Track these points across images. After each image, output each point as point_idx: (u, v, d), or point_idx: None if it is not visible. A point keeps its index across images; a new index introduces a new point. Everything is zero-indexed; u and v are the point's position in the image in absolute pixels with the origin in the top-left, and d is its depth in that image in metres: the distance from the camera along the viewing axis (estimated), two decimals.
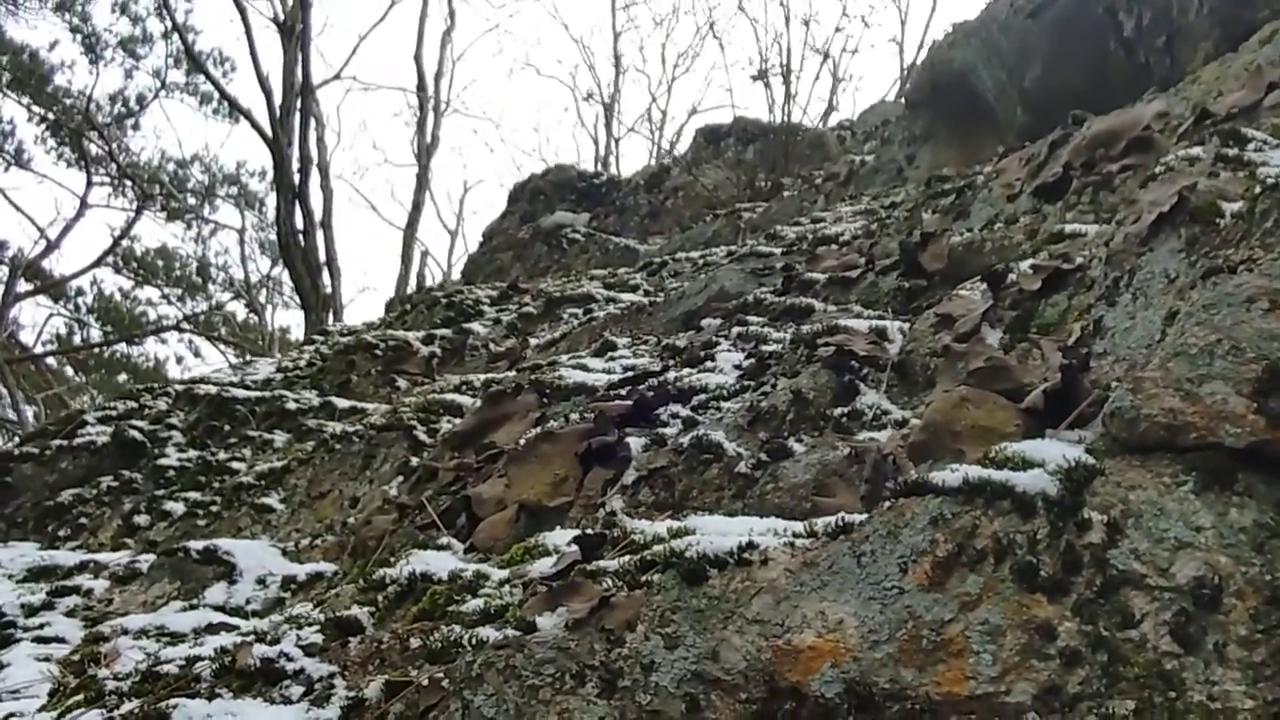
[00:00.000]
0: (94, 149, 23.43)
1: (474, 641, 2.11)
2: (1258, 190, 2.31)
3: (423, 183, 22.63)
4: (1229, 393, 2.03)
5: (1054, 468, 2.02)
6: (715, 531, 2.29)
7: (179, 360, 25.86)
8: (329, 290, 18.67)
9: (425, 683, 2.13)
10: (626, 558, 2.28)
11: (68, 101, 23.63)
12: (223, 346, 25.30)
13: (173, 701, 2.55)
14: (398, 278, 21.73)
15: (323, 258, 18.68)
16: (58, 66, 23.45)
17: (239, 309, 26.49)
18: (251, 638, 2.85)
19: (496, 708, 1.98)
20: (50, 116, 23.47)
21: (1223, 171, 2.71)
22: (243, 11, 18.70)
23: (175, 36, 21.80)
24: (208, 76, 22.02)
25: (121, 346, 25.95)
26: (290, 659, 2.63)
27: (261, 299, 26.37)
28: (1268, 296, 2.11)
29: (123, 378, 25.16)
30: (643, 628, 2.01)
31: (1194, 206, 2.51)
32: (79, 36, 23.34)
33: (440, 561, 2.90)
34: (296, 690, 2.50)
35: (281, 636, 2.81)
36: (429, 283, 21.33)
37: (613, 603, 2.05)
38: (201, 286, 26.29)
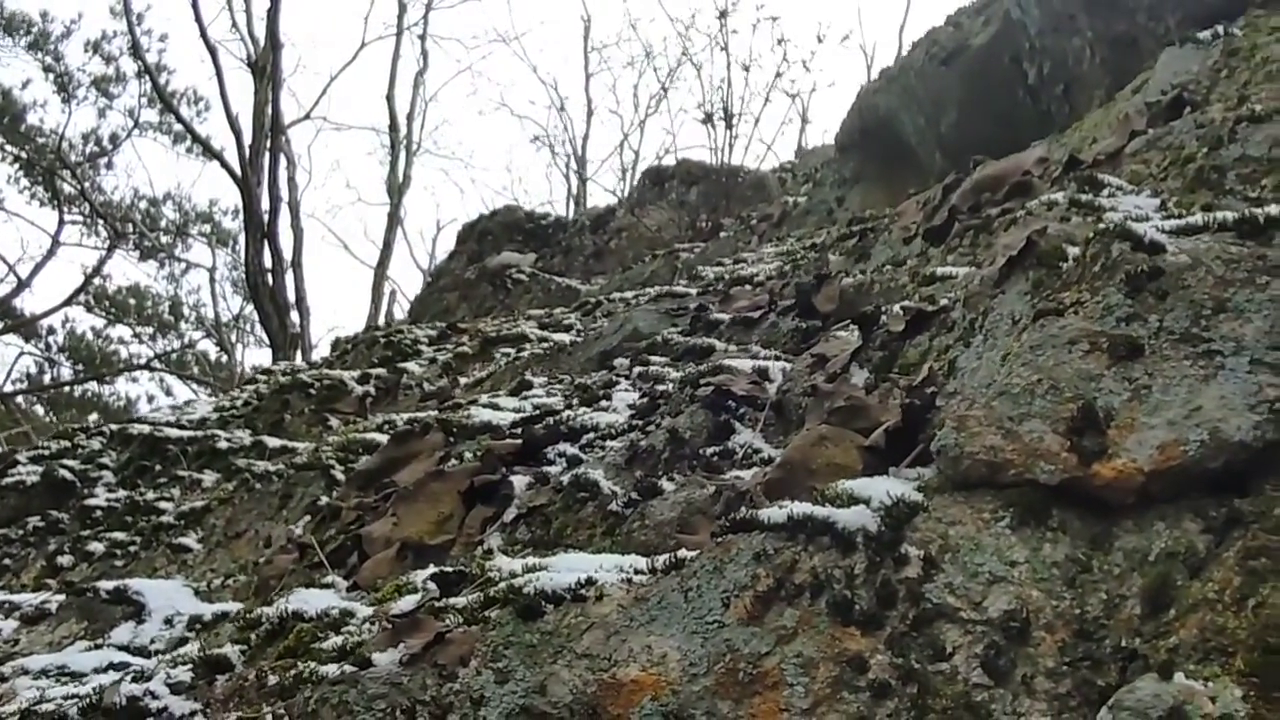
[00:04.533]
0: (66, 188, 23.36)
1: (315, 678, 2.13)
2: (1091, 234, 2.40)
3: (394, 221, 22.66)
4: (1045, 430, 2.10)
5: (877, 504, 2.08)
6: (567, 569, 2.33)
7: (150, 399, 25.68)
8: (297, 329, 18.63)
9: None
10: (477, 595, 2.32)
11: (40, 140, 23.57)
12: (194, 385, 25.16)
13: None
14: (368, 316, 21.69)
15: (292, 297, 18.64)
16: (30, 105, 23.42)
17: (210, 347, 26.43)
18: (128, 676, 2.86)
19: None
20: (23, 155, 23.39)
21: (1074, 216, 2.80)
22: (213, 52, 18.73)
23: (147, 77, 21.82)
24: (178, 118, 22.02)
25: (92, 385, 25.77)
26: (156, 697, 2.64)
27: (232, 338, 26.32)
28: (1088, 339, 2.19)
29: (94, 417, 24.95)
30: (475, 663, 2.05)
31: (1041, 250, 2.59)
32: (52, 76, 23.32)
33: (317, 600, 2.92)
34: None
35: (153, 675, 2.82)
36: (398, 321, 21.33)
37: (448, 638, 2.09)
38: (173, 325, 26.21)
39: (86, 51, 23.39)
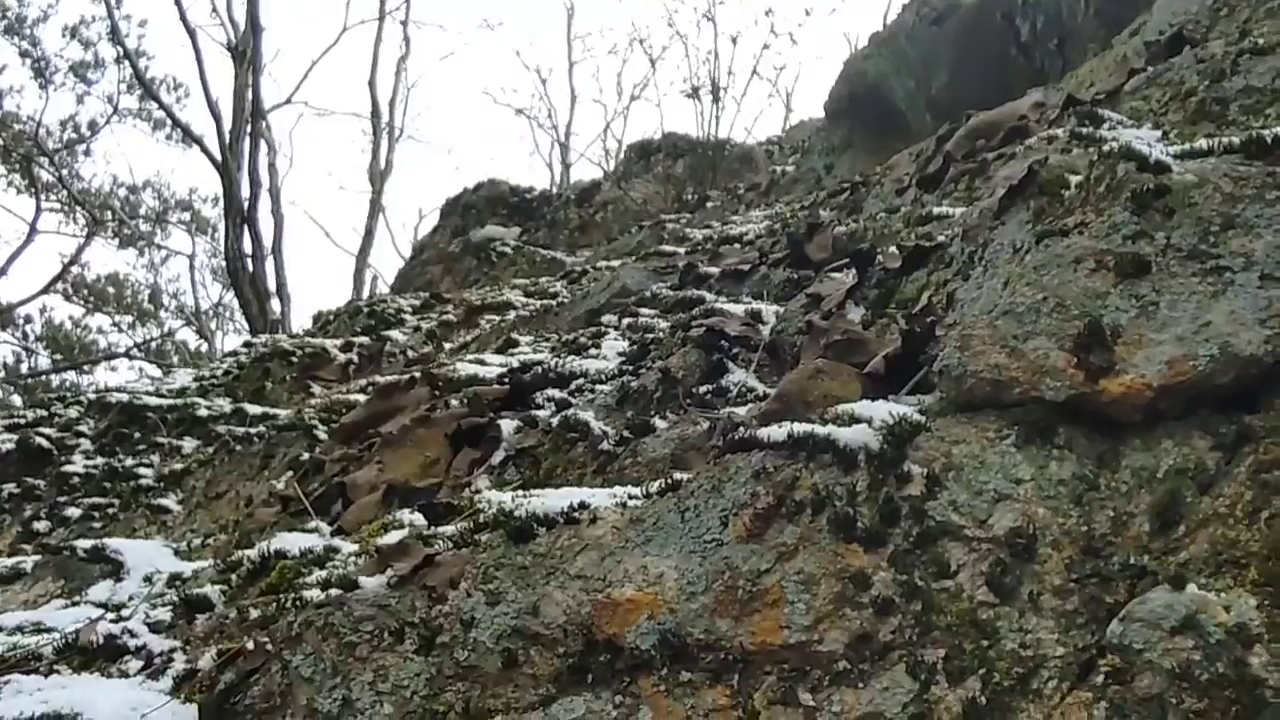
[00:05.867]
0: (44, 175, 23.05)
1: (299, 603, 2.07)
2: (1095, 158, 2.34)
3: (376, 208, 22.46)
4: (1051, 348, 2.04)
5: (879, 424, 2.03)
6: (559, 497, 2.27)
7: None
8: (278, 316, 18.45)
9: (251, 647, 2.08)
10: (466, 523, 2.25)
11: (17, 127, 23.21)
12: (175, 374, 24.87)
13: (7, 678, 2.48)
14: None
15: (272, 284, 18.44)
16: (6, 91, 23.03)
17: (190, 336, 26.23)
18: (102, 617, 2.79)
19: (314, 666, 1.94)
20: None
21: (1075, 148, 2.75)
22: (193, 36, 18.47)
23: (126, 63, 21.52)
24: (159, 103, 21.70)
25: (70, 374, 25.50)
26: (134, 635, 2.58)
27: (212, 326, 26.16)
28: (1094, 257, 2.14)
29: None
30: (465, 585, 1.99)
31: (1043, 179, 2.52)
32: (29, 61, 22.97)
33: (300, 541, 2.85)
34: (135, 664, 2.45)
35: (132, 615, 2.75)
36: None
37: (438, 561, 2.03)
38: (153, 313, 25.99)
39: (64, 36, 23.08)
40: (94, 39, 22.98)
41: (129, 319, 25.81)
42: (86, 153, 24.23)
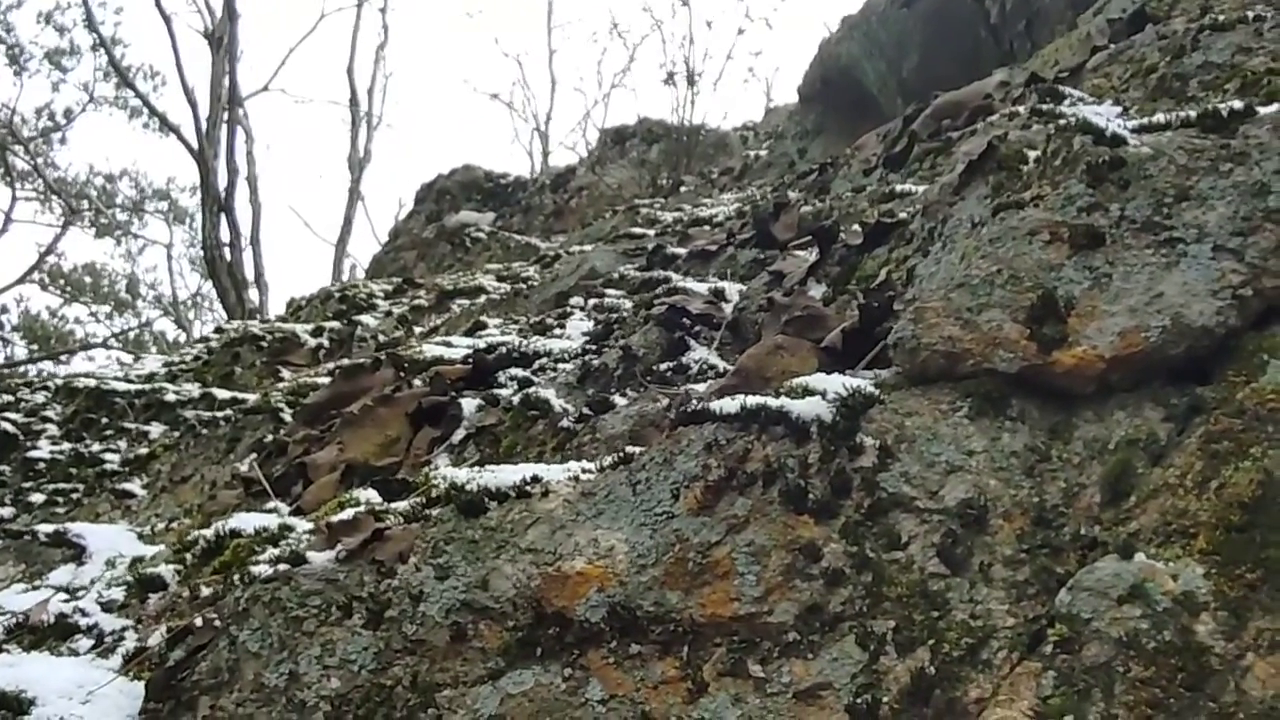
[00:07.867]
0: (19, 163, 22.81)
1: (247, 579, 2.04)
2: (1052, 132, 2.33)
3: (354, 196, 22.30)
4: (1005, 319, 2.04)
5: (833, 396, 2.01)
6: (510, 473, 2.25)
7: None
8: (256, 305, 18.32)
9: (199, 624, 2.06)
10: (419, 498, 2.23)
11: None
12: None
13: None
14: None
15: (251, 273, 18.32)
16: None
17: (169, 326, 26.08)
18: (52, 597, 2.76)
19: (261, 641, 1.92)
20: None
21: (1035, 123, 2.74)
22: (168, 22, 18.25)
23: (102, 50, 21.28)
24: (135, 92, 21.46)
25: (48, 365, 25.28)
26: (86, 614, 2.55)
27: (190, 316, 26.02)
28: (1048, 229, 2.13)
29: None
30: (415, 559, 1.97)
31: (1002, 154, 2.52)
32: (3, 48, 22.71)
33: (255, 520, 2.82)
34: (86, 643, 2.43)
35: (85, 594, 2.72)
36: None
37: (387, 535, 2.01)
38: (130, 303, 25.82)
39: (39, 23, 22.86)
40: (69, 25, 22.73)
41: (106, 309, 25.64)
42: (62, 141, 24.05)
